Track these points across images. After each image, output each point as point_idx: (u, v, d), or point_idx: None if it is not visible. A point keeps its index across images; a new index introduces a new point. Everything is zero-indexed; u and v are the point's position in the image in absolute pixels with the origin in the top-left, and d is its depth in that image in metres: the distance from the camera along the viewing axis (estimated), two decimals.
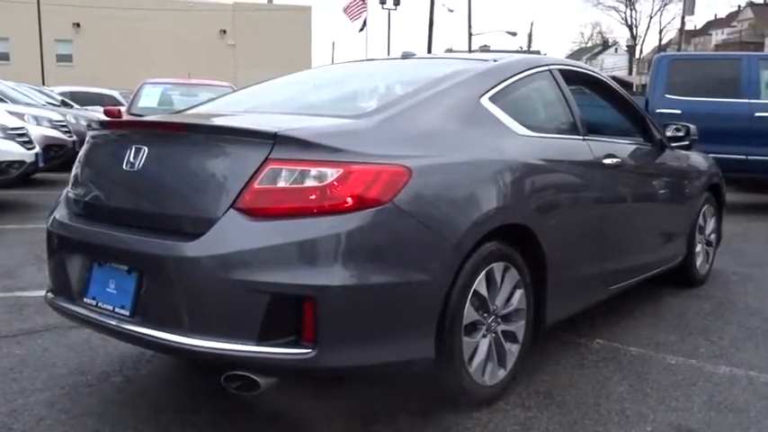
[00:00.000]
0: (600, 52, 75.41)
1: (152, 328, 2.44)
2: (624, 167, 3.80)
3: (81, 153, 3.04)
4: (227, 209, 2.37)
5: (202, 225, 2.38)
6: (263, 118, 2.82)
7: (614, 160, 3.69)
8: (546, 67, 3.54)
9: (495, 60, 3.34)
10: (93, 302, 2.66)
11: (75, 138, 10.95)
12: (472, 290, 2.71)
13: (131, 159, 2.63)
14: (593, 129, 3.72)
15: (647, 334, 3.94)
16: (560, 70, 3.63)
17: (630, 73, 67.14)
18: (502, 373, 2.94)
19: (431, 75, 3.17)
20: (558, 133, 3.47)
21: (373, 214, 2.36)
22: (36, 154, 8.15)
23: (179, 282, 2.38)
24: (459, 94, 2.97)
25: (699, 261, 4.95)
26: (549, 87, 3.52)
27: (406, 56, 3.75)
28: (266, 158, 2.37)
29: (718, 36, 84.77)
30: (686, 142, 4.36)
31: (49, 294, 2.96)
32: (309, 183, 2.35)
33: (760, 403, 3.01)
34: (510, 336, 2.98)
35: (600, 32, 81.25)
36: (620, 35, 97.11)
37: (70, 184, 2.99)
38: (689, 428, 2.75)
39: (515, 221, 2.91)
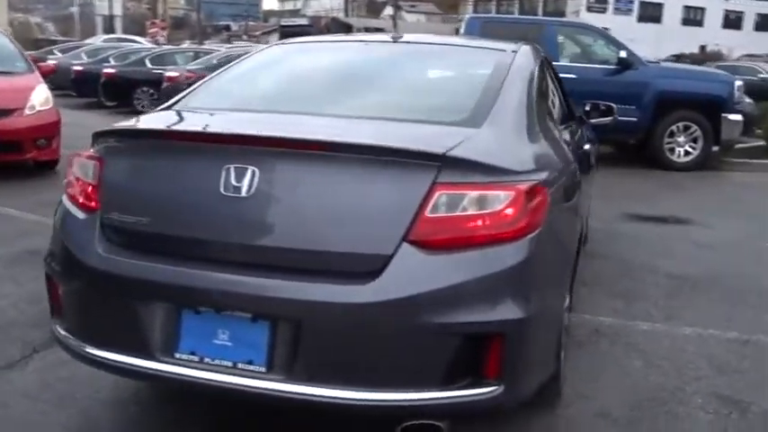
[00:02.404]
0: None
1: (306, 385, 2.09)
2: (587, 150, 4.03)
3: (109, 166, 2.41)
4: (400, 243, 2.08)
5: (371, 263, 2.07)
6: (361, 126, 2.46)
7: (588, 146, 3.89)
8: (540, 54, 3.56)
9: (514, 51, 3.27)
10: (195, 358, 2.18)
11: None
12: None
13: (234, 182, 2.17)
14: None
15: (596, 300, 4.29)
16: (545, 56, 3.69)
17: (347, 14, 69.37)
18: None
19: (476, 68, 3.04)
20: (562, 123, 3.55)
21: (539, 236, 2.24)
22: None
23: (350, 331, 2.06)
24: (524, 93, 2.88)
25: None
26: (547, 76, 3.57)
27: (395, 38, 3.50)
28: (434, 183, 2.12)
29: None
30: (609, 118, 4.69)
31: (83, 345, 2.37)
32: (481, 208, 2.15)
33: (745, 362, 3.49)
34: (566, 330, 3.06)
35: None
36: None
37: (104, 208, 2.36)
38: (729, 397, 3.10)
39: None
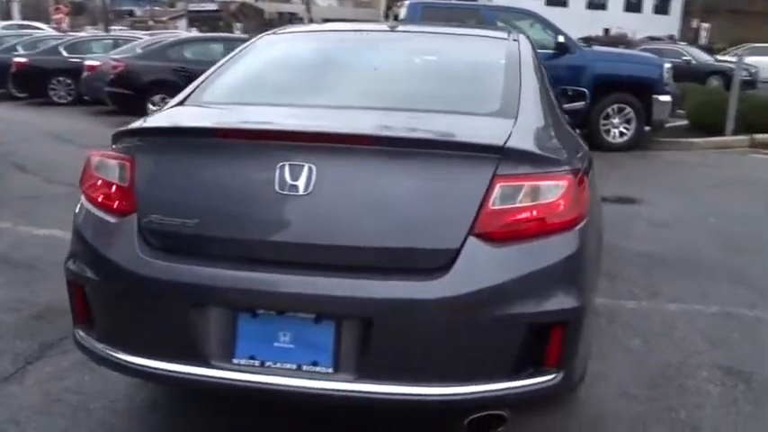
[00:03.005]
0: None
1: (377, 383, 2.07)
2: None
3: (143, 166, 2.28)
4: (466, 236, 2.07)
5: (439, 258, 2.06)
6: (398, 117, 2.43)
7: (577, 130, 3.97)
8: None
9: (515, 40, 3.29)
10: (255, 363, 2.12)
11: None
12: None
13: (289, 180, 2.10)
14: None
15: None
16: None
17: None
18: None
19: (488, 57, 3.05)
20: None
21: (587, 224, 2.29)
22: None
23: (423, 327, 2.05)
24: (540, 81, 2.92)
25: None
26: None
27: (393, 27, 3.46)
28: (494, 175, 2.12)
29: None
30: (582, 103, 4.79)
31: (120, 353, 2.25)
32: (538, 199, 2.16)
33: (734, 334, 3.68)
34: None
35: None
36: None
37: (142, 211, 2.23)
38: (730, 368, 3.26)
39: None
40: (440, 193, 2.12)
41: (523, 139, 2.26)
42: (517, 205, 2.13)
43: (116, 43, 15.89)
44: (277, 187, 2.11)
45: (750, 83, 18.61)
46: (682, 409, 2.91)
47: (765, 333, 3.74)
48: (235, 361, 2.13)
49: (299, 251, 2.12)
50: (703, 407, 2.93)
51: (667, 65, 9.96)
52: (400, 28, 3.46)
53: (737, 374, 3.20)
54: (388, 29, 3.44)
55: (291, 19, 55.37)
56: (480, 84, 2.85)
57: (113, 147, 2.43)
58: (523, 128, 2.39)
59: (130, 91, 11.47)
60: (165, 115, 2.59)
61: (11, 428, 2.67)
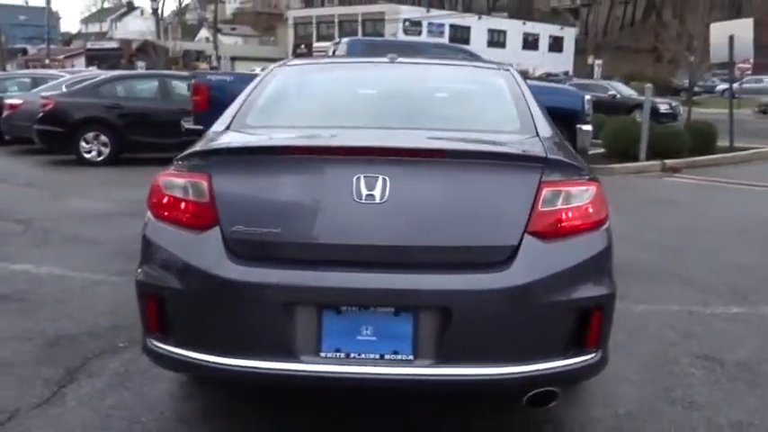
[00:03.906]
0: (125, 14, 73.56)
1: (453, 367, 2.35)
2: None
3: (221, 183, 2.48)
4: (523, 234, 2.40)
5: (503, 253, 2.37)
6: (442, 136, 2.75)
7: None
8: None
9: (506, 70, 3.69)
10: (341, 354, 2.35)
11: None
12: None
13: (364, 190, 2.37)
14: None
15: None
16: None
17: (159, 37, 67.22)
18: None
19: (492, 84, 3.42)
20: None
21: (609, 225, 2.66)
22: None
23: (494, 313, 2.34)
24: (539, 103, 3.30)
25: None
26: None
27: (393, 59, 3.78)
28: (540, 181, 2.46)
29: (231, 5, 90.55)
30: None
31: (207, 356, 2.42)
32: (574, 202, 2.52)
33: (698, 328, 4.15)
34: None
35: None
36: None
37: (226, 223, 2.42)
38: (706, 355, 3.71)
39: None
40: (497, 197, 2.45)
41: (555, 151, 2.64)
42: (558, 207, 2.48)
43: (34, 82, 15.51)
44: (355, 197, 2.37)
45: (672, 116, 19.87)
46: (677, 388, 3.31)
47: (723, 326, 4.23)
48: (322, 354, 2.35)
49: (378, 253, 2.38)
50: (694, 386, 3.34)
51: (588, 97, 10.76)
52: (400, 60, 3.78)
53: (714, 360, 3.64)
54: (388, 60, 3.75)
55: (199, 57, 55.25)
56: (497, 106, 3.23)
57: (178, 167, 2.61)
58: (548, 142, 2.77)
59: (61, 128, 11.25)
60: (230, 137, 2.80)
61: None
